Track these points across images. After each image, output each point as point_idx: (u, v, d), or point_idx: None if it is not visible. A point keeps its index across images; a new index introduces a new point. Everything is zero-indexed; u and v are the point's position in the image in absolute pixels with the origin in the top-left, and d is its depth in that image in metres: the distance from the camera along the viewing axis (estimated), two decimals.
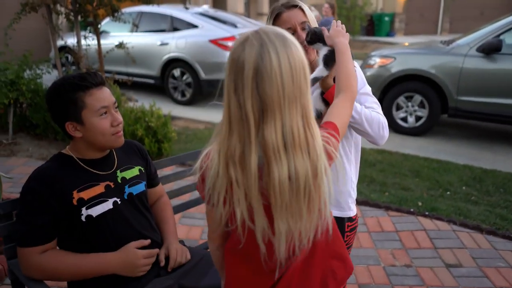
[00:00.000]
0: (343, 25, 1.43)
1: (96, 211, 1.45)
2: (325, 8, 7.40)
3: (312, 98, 1.04)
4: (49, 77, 5.08)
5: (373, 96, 1.55)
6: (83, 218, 1.43)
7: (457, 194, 3.68)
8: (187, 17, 7.04)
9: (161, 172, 3.37)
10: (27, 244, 1.38)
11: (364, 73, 1.66)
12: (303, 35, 1.48)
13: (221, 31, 6.73)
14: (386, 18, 18.86)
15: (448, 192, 3.72)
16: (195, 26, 6.90)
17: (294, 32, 1.49)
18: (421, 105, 5.36)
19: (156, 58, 7.09)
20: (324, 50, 1.44)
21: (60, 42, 6.69)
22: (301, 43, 1.45)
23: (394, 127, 5.52)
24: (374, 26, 19.17)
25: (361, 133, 1.50)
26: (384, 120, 1.47)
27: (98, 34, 4.52)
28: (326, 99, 1.43)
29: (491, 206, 3.45)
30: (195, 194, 3.29)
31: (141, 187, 1.63)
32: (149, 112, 4.30)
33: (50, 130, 4.69)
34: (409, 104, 5.42)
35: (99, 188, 1.49)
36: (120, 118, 1.51)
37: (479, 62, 4.94)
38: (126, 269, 1.45)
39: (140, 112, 4.30)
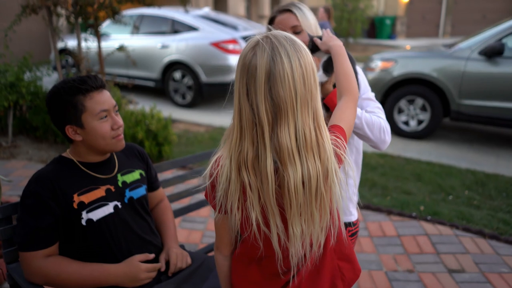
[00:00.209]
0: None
1: (96, 215, 1.44)
2: (320, 12, 7.41)
3: None
4: (49, 79, 5.07)
5: (376, 101, 1.53)
6: (83, 222, 1.42)
7: (460, 199, 3.66)
8: (188, 19, 7.04)
9: (161, 176, 3.37)
10: (29, 248, 1.37)
11: (366, 76, 1.65)
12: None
13: (222, 33, 6.72)
14: (388, 21, 18.88)
15: (451, 196, 3.70)
16: (196, 29, 6.89)
17: None
18: (423, 109, 5.34)
19: (156, 60, 7.09)
20: (324, 57, 1.46)
21: (60, 44, 6.69)
22: None
23: (396, 130, 5.50)
24: (375, 29, 19.19)
25: (362, 138, 1.48)
26: (385, 125, 1.45)
27: (99, 36, 4.51)
28: (326, 105, 1.42)
29: (493, 211, 3.42)
30: (196, 197, 3.27)
31: (141, 191, 1.61)
32: (150, 115, 4.29)
33: (50, 132, 4.67)
34: (411, 107, 5.40)
35: (100, 192, 1.48)
36: (120, 121, 1.49)
37: (481, 66, 4.92)
38: (128, 281, 1.44)
39: (140, 115, 4.28)
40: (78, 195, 1.42)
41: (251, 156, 0.95)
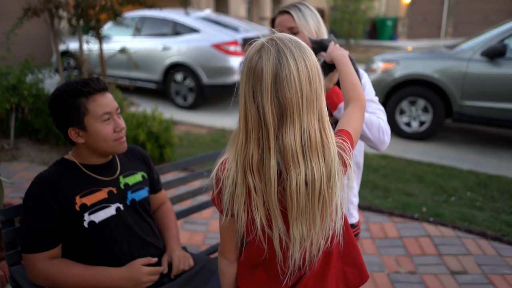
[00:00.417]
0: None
1: (98, 217, 1.45)
2: None
3: None
4: (51, 81, 5.08)
5: (378, 103, 1.54)
6: (85, 224, 1.42)
7: (462, 200, 3.65)
8: (189, 21, 7.05)
9: (163, 178, 3.37)
10: (32, 250, 1.37)
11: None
12: None
13: (223, 35, 6.73)
14: (389, 22, 18.89)
15: (453, 198, 3.69)
16: (197, 31, 6.90)
17: None
18: (425, 110, 5.34)
19: (158, 62, 7.10)
20: (322, 58, 1.48)
21: (62, 47, 6.71)
22: None
23: (397, 132, 5.50)
24: (377, 30, 19.20)
25: (361, 138, 1.49)
26: (385, 125, 1.45)
27: (100, 38, 4.52)
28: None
29: (496, 212, 3.41)
30: (197, 199, 3.27)
31: (143, 193, 1.62)
32: (151, 117, 4.29)
33: (52, 135, 4.68)
34: (413, 108, 5.40)
35: (102, 194, 1.48)
36: (123, 123, 1.50)
37: (483, 67, 4.92)
38: (131, 285, 1.44)
39: (142, 117, 4.29)
40: (80, 197, 1.42)
41: (256, 158, 0.95)
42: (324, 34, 1.61)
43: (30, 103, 4.44)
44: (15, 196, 3.41)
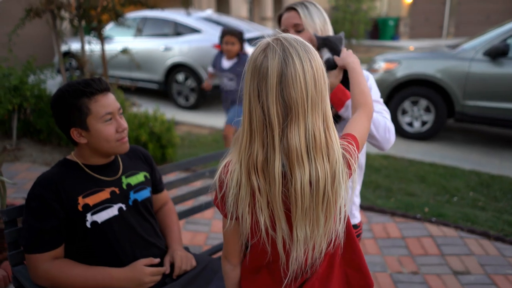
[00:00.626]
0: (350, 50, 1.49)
1: (101, 217, 1.45)
2: None
3: None
4: (53, 82, 5.09)
5: (383, 104, 1.54)
6: (88, 224, 1.42)
7: (464, 200, 3.64)
8: (190, 22, 7.05)
9: (165, 178, 3.37)
10: (35, 251, 1.37)
11: None
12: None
13: None
14: (391, 22, 18.87)
15: (455, 198, 3.68)
16: (198, 31, 6.91)
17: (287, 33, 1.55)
18: (427, 110, 5.33)
19: (160, 63, 7.10)
20: (326, 55, 1.49)
21: (64, 47, 6.72)
22: None
23: (399, 132, 5.49)
24: (378, 30, 19.18)
25: (368, 137, 1.48)
26: (390, 125, 1.46)
27: (102, 39, 4.52)
28: (331, 101, 1.42)
29: (498, 212, 3.40)
30: (199, 200, 3.27)
31: (146, 193, 1.62)
32: (153, 117, 4.30)
33: (54, 135, 4.69)
34: (415, 108, 5.39)
35: (104, 194, 1.48)
36: (125, 124, 1.50)
37: (485, 66, 4.91)
38: (133, 285, 1.44)
39: (144, 117, 4.29)
40: (83, 197, 1.42)
41: (261, 159, 0.95)
42: (330, 34, 1.61)
43: (32, 103, 4.45)
44: (17, 196, 3.41)
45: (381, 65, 5.65)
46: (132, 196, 1.55)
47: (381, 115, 1.47)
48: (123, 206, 1.51)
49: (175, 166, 2.12)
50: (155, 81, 7.28)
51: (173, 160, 4.33)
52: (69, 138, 1.47)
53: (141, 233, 1.55)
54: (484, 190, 3.84)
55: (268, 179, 0.95)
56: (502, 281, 2.51)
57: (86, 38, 4.57)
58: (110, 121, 1.46)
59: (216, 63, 4.11)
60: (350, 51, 1.47)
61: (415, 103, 5.38)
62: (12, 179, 3.77)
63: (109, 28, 7.48)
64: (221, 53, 4.03)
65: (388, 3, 21.47)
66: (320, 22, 1.57)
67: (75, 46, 6.32)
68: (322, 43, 1.50)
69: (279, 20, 1.63)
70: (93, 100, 1.43)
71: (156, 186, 1.75)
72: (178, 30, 7.10)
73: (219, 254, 2.02)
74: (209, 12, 7.95)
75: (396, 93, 5.47)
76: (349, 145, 1.03)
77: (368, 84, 1.54)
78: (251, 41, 6.72)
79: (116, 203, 1.49)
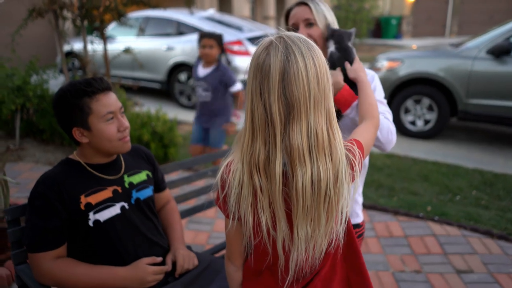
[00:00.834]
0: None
1: (103, 216, 1.45)
2: None
3: None
4: (55, 82, 5.10)
5: (386, 105, 1.54)
6: (90, 223, 1.43)
7: (467, 199, 3.63)
8: (193, 21, 7.06)
9: (167, 177, 3.37)
10: (38, 249, 1.38)
11: None
12: (304, 32, 1.53)
13: (227, 35, 6.72)
14: (394, 21, 18.82)
15: (458, 197, 3.67)
16: (201, 31, 6.90)
17: (297, 27, 1.56)
18: (430, 109, 5.31)
19: (162, 62, 7.11)
20: (331, 47, 1.51)
21: (66, 47, 6.74)
22: None
23: (402, 130, 5.48)
24: (381, 29, 19.13)
25: None
26: (392, 127, 1.46)
27: (105, 39, 4.53)
28: (337, 102, 1.42)
29: (502, 211, 3.39)
30: (201, 199, 3.27)
31: (148, 192, 1.62)
32: (155, 117, 4.30)
33: (57, 135, 4.70)
34: (418, 107, 5.37)
35: (107, 193, 1.48)
36: (126, 123, 1.50)
37: (488, 65, 4.89)
38: (135, 284, 1.45)
39: (146, 117, 4.30)
40: (85, 196, 1.43)
41: (263, 158, 0.94)
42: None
43: (35, 104, 4.47)
44: (20, 196, 3.43)
45: (384, 63, 5.64)
46: (135, 194, 1.55)
47: (384, 116, 1.47)
48: (126, 204, 1.51)
49: (177, 165, 2.12)
50: (158, 80, 7.29)
51: (175, 160, 4.33)
52: (71, 138, 1.47)
53: (143, 231, 1.55)
54: (487, 189, 3.83)
55: (270, 178, 0.94)
56: (505, 279, 2.50)
57: (89, 38, 4.58)
58: (112, 120, 1.46)
59: (193, 71, 3.65)
60: (361, 64, 1.49)
61: (418, 101, 5.37)
62: (15, 178, 3.79)
63: (112, 28, 7.49)
64: (199, 59, 3.62)
65: (391, 1, 21.42)
66: (331, 19, 1.57)
67: (77, 46, 6.35)
68: (331, 34, 1.52)
69: (286, 16, 1.62)
70: (95, 100, 1.43)
71: (159, 185, 1.75)
72: (181, 29, 7.11)
73: (222, 253, 2.02)
74: (212, 12, 7.95)
75: (399, 92, 5.45)
76: (353, 147, 1.02)
77: (373, 85, 1.54)
78: (253, 40, 6.71)
79: (118, 201, 1.49)
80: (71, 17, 4.33)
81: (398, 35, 19.04)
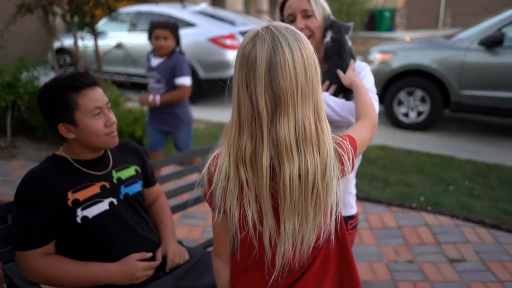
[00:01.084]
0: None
1: (91, 212, 1.44)
2: None
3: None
4: (46, 79, 5.06)
5: (375, 93, 1.52)
6: (78, 219, 1.41)
7: (460, 189, 3.64)
8: (185, 15, 7.01)
9: (160, 172, 3.36)
10: (26, 247, 1.36)
11: None
12: (302, 23, 1.50)
13: (219, 29, 6.70)
14: (387, 14, 18.82)
15: (451, 187, 3.68)
16: (193, 25, 6.87)
17: (294, 18, 1.52)
18: (423, 100, 5.32)
19: None
20: (328, 37, 1.51)
21: (57, 44, 6.68)
22: (299, 30, 1.47)
23: (395, 122, 5.49)
24: (375, 22, 19.12)
25: (344, 123, 1.48)
26: (376, 104, 1.46)
27: (96, 34, 4.50)
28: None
29: (494, 201, 3.41)
30: (195, 193, 3.26)
31: (137, 187, 1.61)
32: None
33: (49, 132, 4.67)
34: (411, 99, 5.38)
35: (95, 189, 1.47)
36: (113, 118, 1.49)
37: (481, 56, 4.89)
38: (125, 280, 1.44)
39: (138, 112, 4.27)
40: (73, 192, 1.41)
41: (249, 151, 0.92)
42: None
43: (26, 100, 4.43)
44: (12, 193, 3.40)
45: (377, 56, 5.63)
46: (123, 190, 1.54)
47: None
48: (114, 200, 1.50)
49: (170, 160, 2.11)
50: None
51: (168, 155, 4.31)
52: (57, 134, 1.46)
53: (133, 227, 1.54)
54: (480, 179, 3.84)
55: (256, 172, 0.93)
56: (497, 267, 2.52)
57: (79, 33, 4.54)
58: (99, 115, 1.45)
59: (147, 63, 3.25)
60: (356, 72, 1.50)
61: (410, 93, 5.37)
62: (7, 176, 3.76)
63: (103, 24, 7.43)
64: (153, 51, 3.23)
65: None
66: (329, 11, 1.56)
67: (68, 42, 6.29)
68: (330, 24, 1.51)
69: (281, 6, 1.58)
70: (81, 95, 1.41)
71: (148, 180, 1.74)
72: None
73: (212, 254, 2.01)
74: (204, 6, 7.90)
75: (392, 84, 5.45)
76: (343, 141, 1.00)
77: (363, 74, 1.53)
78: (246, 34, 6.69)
79: (106, 197, 1.48)
80: (60, 13, 4.29)
81: (391, 28, 19.04)
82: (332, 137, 0.97)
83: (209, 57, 6.54)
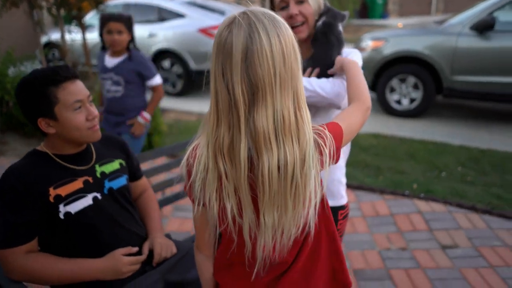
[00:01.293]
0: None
1: (74, 207, 1.41)
2: None
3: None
4: None
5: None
6: (61, 215, 1.38)
7: (453, 175, 3.64)
8: (174, 6, 6.93)
9: (151, 164, 3.33)
10: (8, 245, 1.33)
11: None
12: (295, 9, 1.45)
13: (209, 19, 6.63)
14: (379, 1, 18.69)
15: (444, 174, 3.68)
16: (182, 16, 6.79)
17: (287, 5, 1.47)
18: (415, 87, 5.30)
19: (145, 50, 6.98)
20: (322, 20, 1.48)
21: (45, 38, 6.59)
22: (291, 17, 1.43)
23: (388, 109, 5.48)
24: (367, 9, 19.00)
25: (323, 103, 1.45)
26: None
27: (83, 27, 4.44)
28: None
29: (487, 186, 3.41)
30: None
31: (122, 181, 1.58)
32: None
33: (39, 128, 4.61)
34: (403, 86, 5.36)
35: (77, 184, 1.44)
36: (95, 111, 1.45)
37: (472, 41, 4.87)
38: (111, 275, 1.42)
39: None
40: (54, 188, 1.38)
41: (227, 142, 0.89)
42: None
43: (14, 96, 4.37)
44: None
45: (368, 43, 5.59)
46: (107, 184, 1.51)
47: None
48: (98, 195, 1.47)
49: (159, 152, 2.08)
50: None
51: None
52: (37, 129, 1.42)
53: (119, 221, 1.51)
54: (473, 165, 3.84)
55: (234, 163, 0.90)
56: (489, 252, 2.52)
57: (67, 27, 4.48)
58: (80, 109, 1.41)
59: (98, 63, 2.94)
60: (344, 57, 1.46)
61: (403, 80, 5.35)
62: None
63: (91, 17, 7.32)
64: (104, 49, 2.94)
65: None
66: None
67: (56, 36, 6.21)
68: (326, 10, 1.48)
69: None
70: (61, 88, 1.38)
71: (134, 173, 1.71)
72: (162, 15, 6.97)
73: (194, 248, 2.00)
74: None
75: (384, 71, 5.42)
76: (324, 131, 0.96)
77: (349, 58, 1.50)
78: None
79: (90, 192, 1.45)
80: (46, 6, 4.22)
81: (384, 15, 18.92)
82: (312, 127, 0.94)
83: (200, 48, 6.48)
